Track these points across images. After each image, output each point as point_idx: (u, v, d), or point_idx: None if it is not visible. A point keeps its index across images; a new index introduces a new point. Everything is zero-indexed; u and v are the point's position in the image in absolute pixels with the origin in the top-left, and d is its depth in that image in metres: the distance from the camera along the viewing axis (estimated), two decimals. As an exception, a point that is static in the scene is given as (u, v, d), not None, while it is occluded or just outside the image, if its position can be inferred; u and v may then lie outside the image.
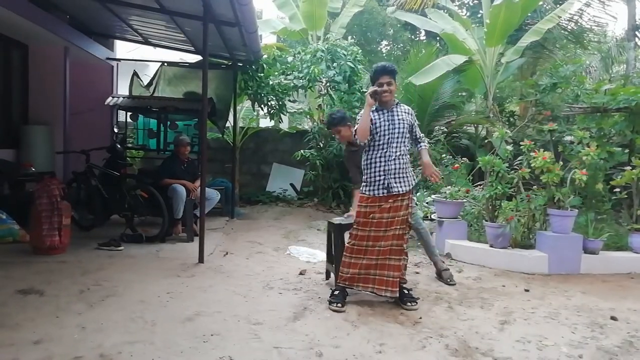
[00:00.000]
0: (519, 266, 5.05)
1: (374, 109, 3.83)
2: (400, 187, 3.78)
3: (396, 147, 3.79)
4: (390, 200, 3.76)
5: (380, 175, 3.77)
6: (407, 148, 3.89)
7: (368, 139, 3.80)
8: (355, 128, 3.89)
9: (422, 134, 4.06)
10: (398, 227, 3.77)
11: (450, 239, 5.61)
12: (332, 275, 4.31)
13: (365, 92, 7.83)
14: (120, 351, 2.81)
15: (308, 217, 8.16)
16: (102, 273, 4.38)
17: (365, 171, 3.85)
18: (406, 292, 3.86)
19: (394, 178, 3.77)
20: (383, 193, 3.76)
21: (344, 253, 3.87)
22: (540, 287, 4.52)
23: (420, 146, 4.04)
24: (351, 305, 3.77)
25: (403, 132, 3.81)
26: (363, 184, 3.86)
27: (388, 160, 3.77)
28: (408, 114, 3.90)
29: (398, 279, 3.78)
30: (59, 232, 4.93)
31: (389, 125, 3.79)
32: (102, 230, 6.00)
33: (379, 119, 3.81)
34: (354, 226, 3.84)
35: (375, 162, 3.79)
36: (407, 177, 3.83)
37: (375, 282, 3.78)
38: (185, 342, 2.98)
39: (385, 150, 3.78)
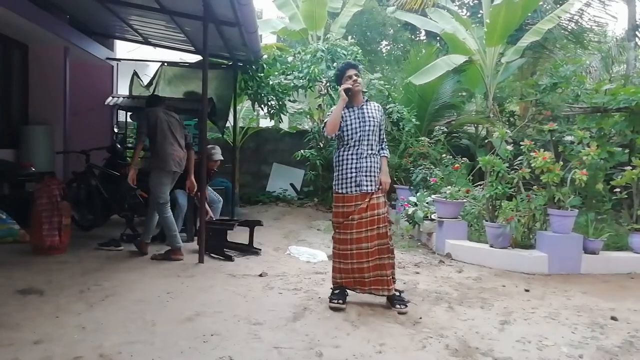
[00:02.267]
0: (519, 266, 5.05)
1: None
2: (371, 185, 3.75)
3: (367, 144, 3.76)
4: (366, 200, 3.73)
5: (351, 173, 3.74)
6: (379, 147, 3.88)
7: (336, 134, 3.81)
8: (325, 120, 3.88)
9: (384, 139, 3.96)
10: (381, 225, 3.73)
11: (450, 239, 5.61)
12: None
13: (365, 91, 7.86)
14: (120, 351, 2.81)
15: (308, 217, 8.16)
16: (102, 273, 4.38)
17: (337, 168, 3.83)
18: (397, 294, 3.82)
19: (366, 176, 3.74)
20: (356, 191, 3.73)
21: (333, 258, 3.88)
22: (540, 287, 4.51)
23: (382, 153, 3.92)
24: (351, 305, 3.76)
25: (373, 129, 3.78)
26: (334, 182, 3.85)
27: (360, 157, 3.75)
28: (378, 111, 3.87)
29: (392, 277, 3.77)
30: (59, 232, 4.94)
31: (359, 122, 3.76)
32: (102, 230, 6.00)
33: (350, 116, 3.78)
34: (335, 229, 3.80)
35: (347, 160, 3.77)
36: (376, 175, 3.79)
37: (372, 284, 3.75)
38: (185, 342, 2.98)
39: (357, 148, 3.76)
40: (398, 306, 3.71)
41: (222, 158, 6.17)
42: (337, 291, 3.79)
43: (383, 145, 3.95)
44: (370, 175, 3.76)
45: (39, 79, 7.07)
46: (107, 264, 4.72)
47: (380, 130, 3.88)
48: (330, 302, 3.71)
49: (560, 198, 5.14)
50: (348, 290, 3.83)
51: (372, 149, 3.79)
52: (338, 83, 3.91)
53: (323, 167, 8.81)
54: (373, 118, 3.79)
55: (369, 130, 3.76)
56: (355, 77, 3.78)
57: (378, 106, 3.93)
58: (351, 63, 3.96)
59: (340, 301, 3.69)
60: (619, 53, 10.34)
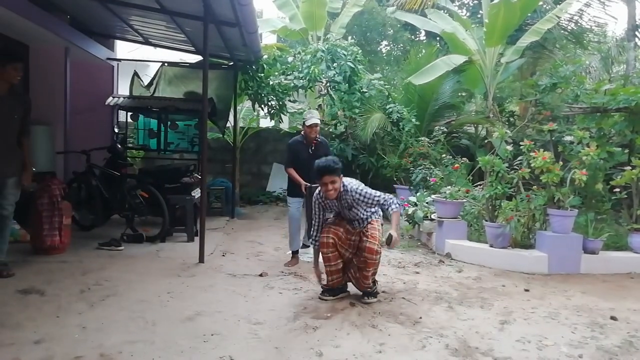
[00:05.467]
0: (518, 266, 5.06)
1: (323, 198, 3.91)
2: (360, 225, 3.91)
3: (353, 222, 3.93)
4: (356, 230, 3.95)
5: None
6: (374, 210, 3.91)
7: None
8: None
9: (379, 201, 3.83)
10: (370, 240, 3.83)
11: (450, 239, 5.61)
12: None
13: (365, 92, 7.84)
14: (120, 351, 2.82)
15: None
16: (102, 273, 4.38)
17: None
18: (370, 289, 3.96)
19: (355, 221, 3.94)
20: None
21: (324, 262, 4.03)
22: (540, 287, 4.52)
23: (392, 209, 3.84)
24: (351, 305, 3.78)
25: (357, 211, 3.85)
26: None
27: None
28: (354, 194, 3.79)
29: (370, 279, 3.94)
30: (60, 232, 4.94)
31: (338, 208, 3.95)
32: (103, 230, 6.01)
33: (330, 205, 3.94)
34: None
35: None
36: (366, 219, 3.90)
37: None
38: (186, 341, 2.99)
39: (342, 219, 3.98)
40: (366, 297, 3.89)
41: (317, 121, 5.10)
42: (326, 288, 4.02)
43: (387, 205, 3.84)
44: (361, 220, 3.90)
45: (39, 79, 7.06)
46: (107, 263, 4.72)
47: (367, 204, 3.83)
48: (320, 294, 3.97)
49: (560, 198, 5.15)
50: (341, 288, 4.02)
51: (360, 222, 3.91)
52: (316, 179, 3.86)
53: (323, 167, 8.79)
54: (355, 206, 3.83)
55: (351, 214, 3.88)
56: (330, 185, 3.71)
57: (354, 190, 3.80)
58: (328, 168, 3.70)
59: (329, 296, 3.93)
60: (619, 53, 10.34)
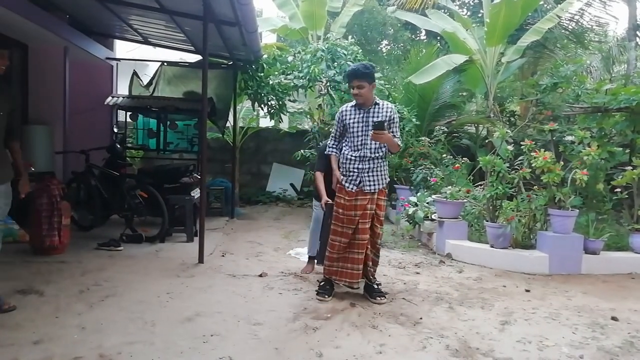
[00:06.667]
0: (519, 266, 5.04)
1: (354, 103, 3.88)
2: (374, 186, 3.84)
3: (369, 148, 3.82)
4: (367, 197, 3.85)
5: (354, 173, 3.84)
6: (385, 148, 3.88)
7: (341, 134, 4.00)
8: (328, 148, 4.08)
9: (398, 133, 3.95)
10: (377, 224, 3.90)
11: (450, 239, 5.60)
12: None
13: None
14: (119, 351, 2.81)
15: (308, 217, 8.12)
16: (101, 273, 4.37)
17: (342, 165, 3.93)
18: (375, 287, 3.97)
19: (368, 176, 3.83)
20: (353, 189, 3.84)
21: (328, 249, 3.98)
22: (541, 287, 4.51)
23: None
24: (352, 305, 3.77)
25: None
26: (341, 177, 3.94)
27: (362, 160, 3.83)
28: (386, 113, 3.82)
29: (373, 270, 3.98)
30: (59, 232, 4.92)
31: (362, 126, 3.82)
32: (102, 230, 5.99)
33: (354, 118, 3.84)
34: (333, 221, 3.92)
35: (351, 160, 3.86)
36: (380, 176, 3.88)
37: (356, 276, 3.91)
38: (185, 342, 2.98)
39: (360, 151, 3.83)
40: (378, 298, 3.87)
41: None
42: (322, 283, 4.00)
43: (396, 134, 3.92)
44: (374, 176, 3.85)
45: (38, 78, 7.05)
46: (106, 264, 4.71)
47: (389, 129, 3.82)
48: (317, 295, 3.91)
49: (561, 198, 5.13)
50: (338, 284, 4.01)
51: (376, 154, 3.84)
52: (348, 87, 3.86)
53: (323, 167, 8.78)
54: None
55: (367, 136, 3.80)
56: (357, 90, 3.75)
57: (388, 108, 3.88)
58: (357, 72, 3.77)
59: (326, 296, 3.88)
60: (620, 53, 10.33)
